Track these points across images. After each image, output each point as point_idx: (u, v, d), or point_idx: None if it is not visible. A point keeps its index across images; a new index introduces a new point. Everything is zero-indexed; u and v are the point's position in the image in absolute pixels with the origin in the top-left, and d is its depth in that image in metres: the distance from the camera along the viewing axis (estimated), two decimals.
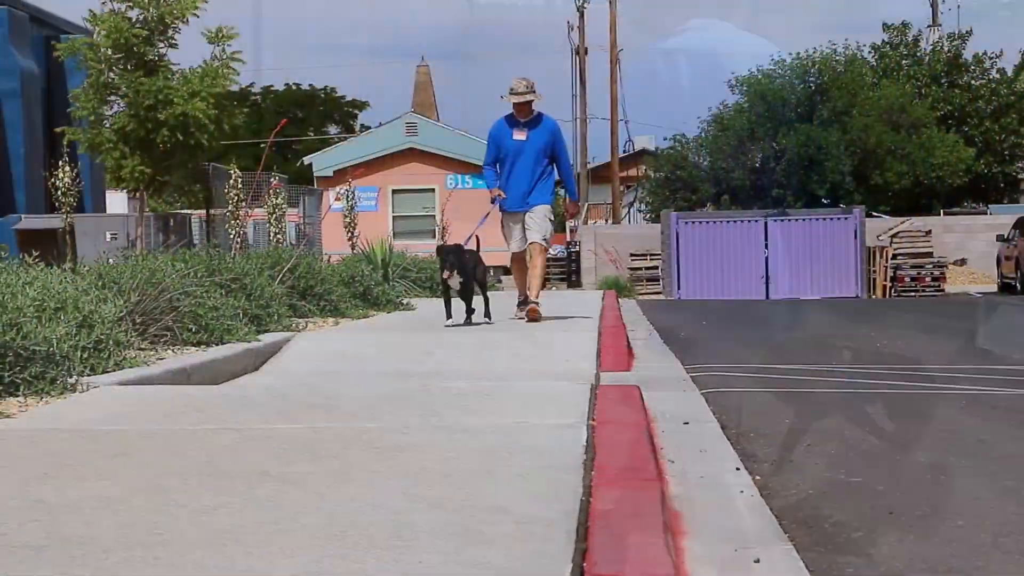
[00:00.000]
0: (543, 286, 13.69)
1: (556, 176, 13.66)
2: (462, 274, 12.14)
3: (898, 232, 36.61)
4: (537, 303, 13.13)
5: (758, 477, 5.35)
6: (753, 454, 6.01)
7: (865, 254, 36.17)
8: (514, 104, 13.39)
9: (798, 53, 48.85)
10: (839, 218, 36.80)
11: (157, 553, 3.60)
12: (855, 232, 36.34)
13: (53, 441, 5.64)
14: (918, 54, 52.67)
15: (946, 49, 52.19)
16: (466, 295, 12.43)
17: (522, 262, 13.51)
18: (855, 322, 17.76)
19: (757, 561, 3.79)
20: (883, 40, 53.40)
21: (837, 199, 44.78)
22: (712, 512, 4.49)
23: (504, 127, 13.49)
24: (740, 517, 4.43)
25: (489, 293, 13.18)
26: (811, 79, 47.96)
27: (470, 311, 12.41)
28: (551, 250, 45.69)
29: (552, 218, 13.52)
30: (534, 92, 13.35)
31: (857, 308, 23.73)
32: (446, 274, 12.06)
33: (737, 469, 5.36)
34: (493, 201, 13.39)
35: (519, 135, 13.36)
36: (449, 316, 12.23)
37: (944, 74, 51.21)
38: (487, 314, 12.80)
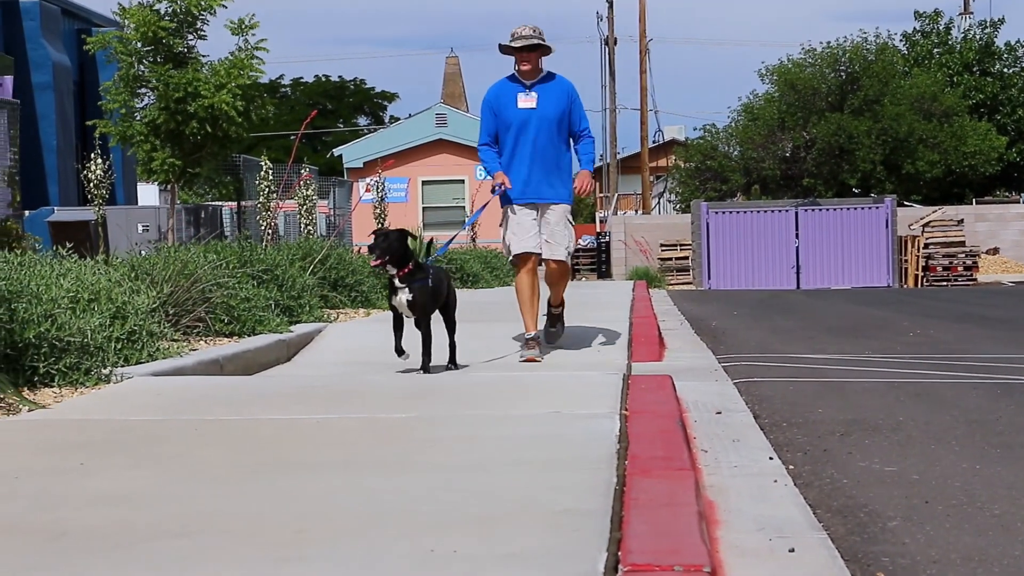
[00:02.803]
0: (562, 292, 10.32)
1: (568, 152, 10.18)
2: (415, 291, 8.54)
3: (930, 221, 36.41)
4: (560, 310, 10.38)
5: (791, 466, 5.34)
6: (786, 443, 6.00)
7: (896, 243, 36.01)
8: (517, 58, 9.83)
9: (829, 42, 48.67)
10: (870, 208, 36.63)
11: (189, 543, 3.61)
12: (886, 221, 36.18)
13: (89, 431, 5.67)
14: (950, 42, 52.41)
15: (978, 37, 51.91)
16: (422, 322, 8.61)
17: (531, 272, 9.80)
18: (887, 311, 17.69)
19: (792, 551, 3.78)
20: (914, 28, 53.20)
21: (868, 188, 44.61)
22: (746, 501, 4.48)
23: (505, 91, 9.95)
24: (774, 506, 4.42)
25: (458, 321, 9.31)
26: (842, 68, 47.73)
27: (427, 348, 8.54)
28: (581, 240, 45.21)
29: (572, 220, 10.06)
30: (543, 39, 9.84)
31: (889, 298, 23.64)
32: (375, 261, 8.50)
33: (770, 458, 5.35)
34: (495, 190, 9.81)
35: (526, 102, 9.89)
36: (400, 350, 8.54)
37: (976, 62, 50.94)
38: (452, 360, 8.94)
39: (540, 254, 9.89)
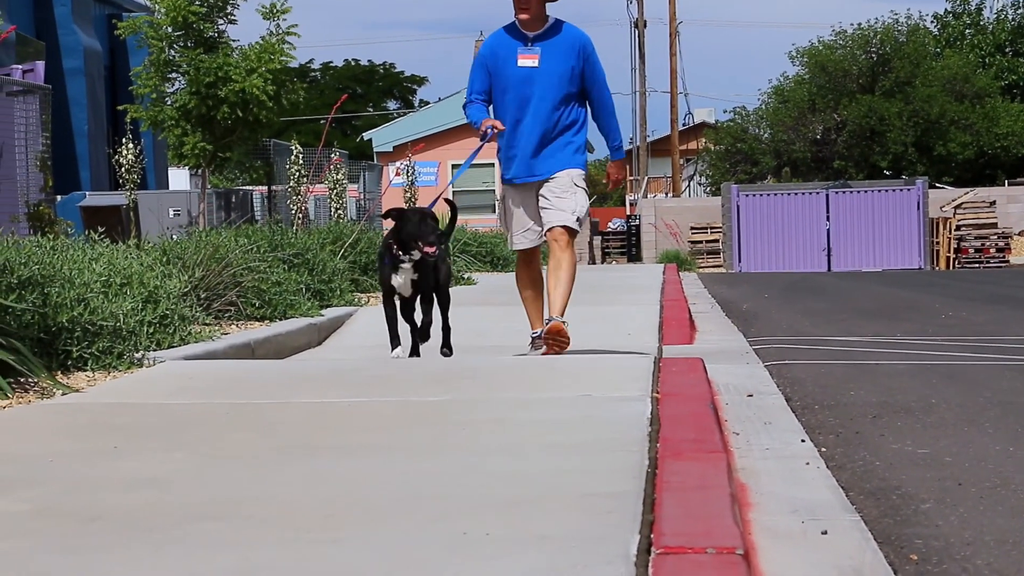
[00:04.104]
0: (567, 294, 8.35)
1: (583, 123, 8.55)
2: (423, 268, 7.86)
3: (962, 203, 36.22)
4: (563, 321, 8.19)
5: (824, 449, 5.33)
6: (818, 426, 5.98)
7: (928, 225, 35.86)
8: (514, 3, 8.33)
9: (859, 24, 48.43)
10: (902, 190, 36.48)
11: (222, 525, 3.63)
12: (918, 203, 36.02)
13: (122, 414, 5.70)
14: (981, 23, 52.06)
15: (1010, 18, 51.54)
16: (424, 305, 8.04)
17: (534, 266, 8.62)
18: (919, 293, 17.62)
19: (824, 533, 3.77)
20: (946, 9, 52.89)
21: (900, 170, 44.39)
22: (778, 484, 4.47)
23: (502, 45, 8.41)
24: (806, 489, 4.41)
25: (451, 306, 8.51)
26: (873, 49, 47.48)
27: (421, 333, 8.07)
28: (611, 223, 45.05)
29: (586, 187, 8.54)
30: None
31: (921, 280, 23.54)
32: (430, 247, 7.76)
33: (802, 441, 5.34)
34: (484, 136, 8.31)
35: (527, 58, 8.31)
36: (395, 341, 7.99)
37: (1008, 43, 50.59)
38: (446, 343, 8.21)
39: (538, 245, 8.66)
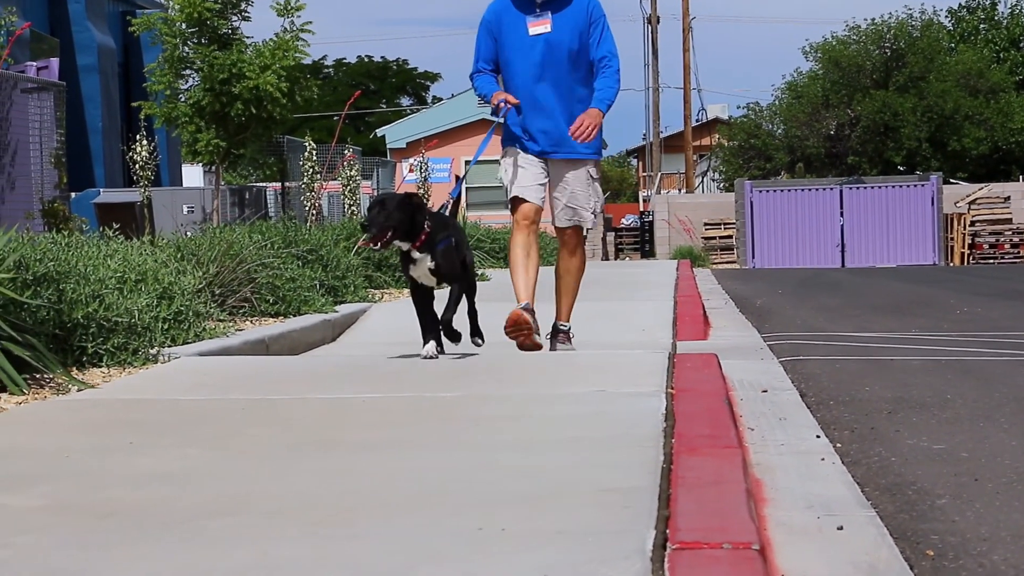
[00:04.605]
0: (572, 300, 8.20)
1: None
2: (439, 255, 7.16)
3: (976, 198, 36.15)
4: (568, 329, 8.10)
5: (839, 444, 5.32)
6: (833, 422, 5.97)
7: (942, 221, 35.78)
8: None
9: (873, 19, 48.37)
10: (916, 185, 36.41)
11: (238, 520, 3.63)
12: (932, 199, 35.95)
13: (137, 410, 5.71)
14: (996, 18, 51.93)
15: None
16: (457, 285, 7.36)
17: (527, 230, 7.97)
18: (933, 289, 17.58)
19: (840, 528, 3.77)
20: (960, 4, 52.78)
21: (913, 166, 44.33)
22: (793, 479, 4.47)
23: (508, 11, 7.95)
24: (822, 484, 4.40)
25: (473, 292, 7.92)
26: (887, 45, 47.39)
27: (447, 324, 7.27)
28: (624, 219, 45.02)
29: (598, 178, 8.12)
30: None
31: (935, 275, 23.49)
32: (365, 241, 7.37)
33: (817, 437, 5.33)
34: (496, 112, 7.89)
35: (538, 25, 7.84)
36: (430, 336, 7.27)
37: (1023, 38, 50.41)
38: (476, 332, 7.69)
39: (540, 207, 8.02)
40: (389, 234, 6.91)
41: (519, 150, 7.99)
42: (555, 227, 8.16)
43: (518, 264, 7.94)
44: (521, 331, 7.66)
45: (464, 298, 7.52)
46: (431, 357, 7.14)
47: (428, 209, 7.18)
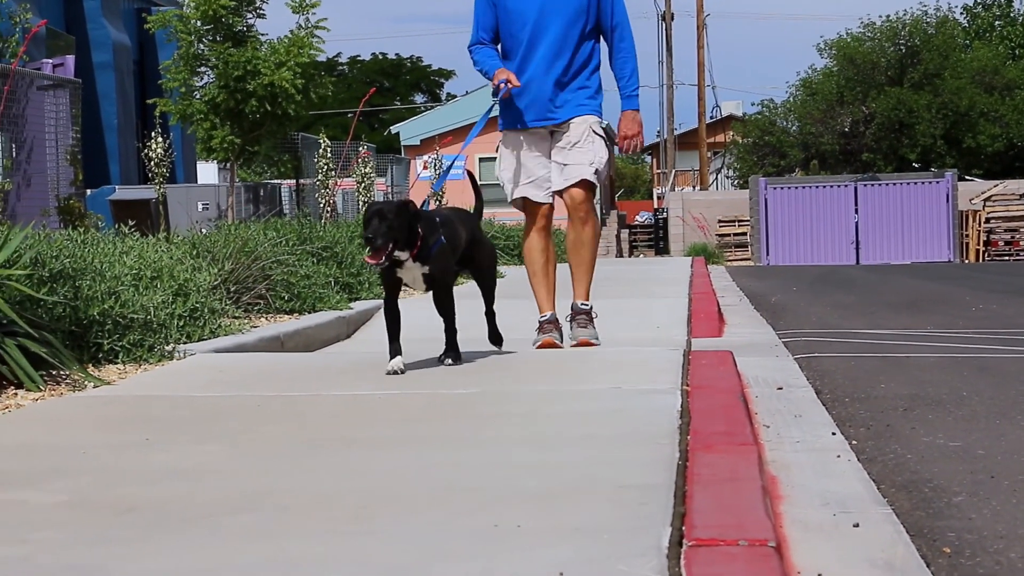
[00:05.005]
0: (590, 275, 7.83)
1: (599, 65, 7.76)
2: (432, 261, 6.51)
3: (991, 195, 36.06)
4: (589, 308, 7.80)
5: (854, 442, 5.31)
6: (849, 419, 5.96)
7: (957, 218, 35.72)
8: None
9: (888, 15, 48.30)
10: (930, 182, 36.36)
11: (254, 517, 3.64)
12: (947, 196, 35.90)
13: (153, 407, 5.73)
14: (1011, 14, 51.79)
15: None
16: (446, 303, 6.77)
17: (542, 232, 7.69)
18: (949, 286, 17.54)
19: (856, 525, 3.76)
20: (975, 1, 52.57)
21: (928, 163, 44.25)
22: (809, 477, 4.46)
23: None
24: (837, 481, 4.40)
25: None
26: (901, 42, 47.30)
27: (452, 331, 6.82)
28: (638, 216, 44.92)
29: (605, 136, 7.63)
30: None
31: (950, 272, 23.44)
32: (371, 256, 6.24)
33: (833, 434, 5.32)
34: (497, 92, 7.50)
35: None
36: (395, 350, 6.51)
37: None
38: (494, 335, 7.33)
39: (551, 204, 7.62)
40: (391, 246, 6.29)
41: (517, 131, 7.66)
42: (558, 194, 7.62)
43: (538, 271, 7.74)
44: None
45: (486, 305, 7.22)
46: (397, 372, 6.45)
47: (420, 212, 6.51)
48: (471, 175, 7.56)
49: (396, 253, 6.34)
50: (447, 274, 6.70)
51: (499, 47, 7.72)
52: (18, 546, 3.37)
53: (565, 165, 7.54)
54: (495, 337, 7.32)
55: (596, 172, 7.55)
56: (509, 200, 7.77)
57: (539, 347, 7.55)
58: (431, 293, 6.78)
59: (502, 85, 7.41)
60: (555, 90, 7.54)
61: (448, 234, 6.64)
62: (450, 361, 6.78)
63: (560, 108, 7.57)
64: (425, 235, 6.46)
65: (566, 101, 7.55)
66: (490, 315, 7.28)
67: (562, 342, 7.64)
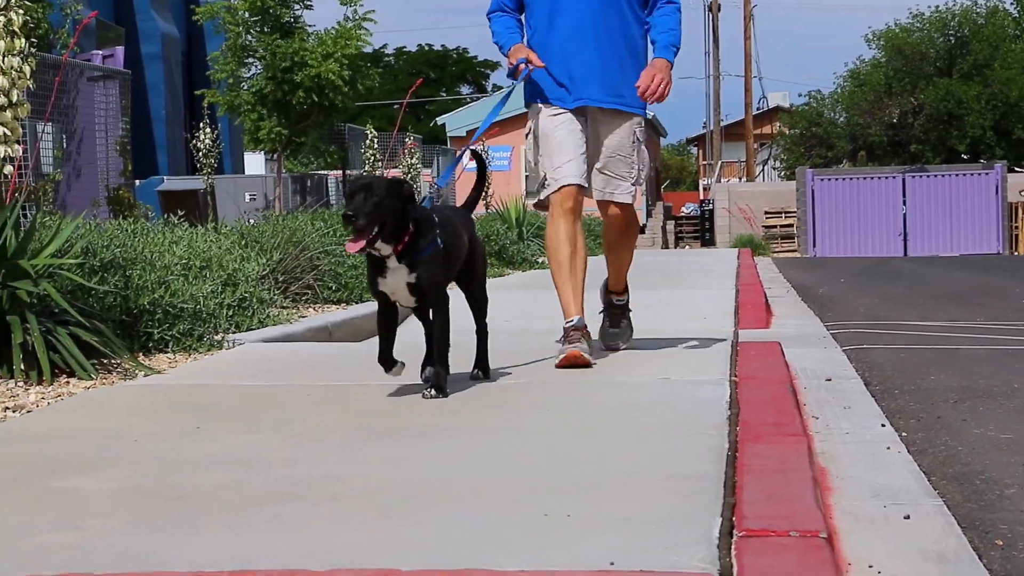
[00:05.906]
0: (625, 269, 6.95)
1: (645, 36, 6.55)
2: (421, 266, 5.31)
3: None
4: (624, 303, 6.99)
5: (904, 433, 5.28)
6: (898, 411, 5.93)
7: (1006, 210, 35.44)
8: None
9: (937, 6, 47.95)
10: (980, 174, 36.09)
11: (304, 505, 3.66)
12: (996, 188, 35.62)
13: (203, 396, 5.76)
14: None
15: None
16: (439, 313, 5.51)
17: (570, 216, 6.39)
18: (999, 278, 17.41)
19: (907, 517, 3.74)
20: None
21: (978, 154, 43.91)
22: (859, 468, 4.44)
23: None
24: (888, 473, 4.37)
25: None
26: (951, 32, 46.95)
27: (444, 345, 5.55)
28: (684, 208, 44.75)
29: (643, 139, 6.61)
30: None
31: (1000, 264, 23.27)
32: (352, 239, 5.13)
33: (882, 425, 5.29)
34: (512, 74, 6.45)
35: None
36: (388, 362, 5.51)
37: None
38: (482, 366, 5.98)
39: (584, 186, 6.43)
40: (375, 230, 5.12)
41: (546, 106, 6.51)
42: (596, 200, 6.62)
43: (563, 264, 6.38)
44: (576, 369, 6.17)
45: (473, 313, 5.97)
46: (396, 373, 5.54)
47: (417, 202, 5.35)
48: (476, 155, 6.39)
49: (377, 244, 5.19)
50: (439, 288, 5.44)
51: (522, 17, 6.64)
52: (72, 532, 3.40)
53: (605, 175, 6.51)
54: (483, 364, 5.98)
55: (633, 194, 6.57)
56: (540, 194, 6.56)
57: (561, 364, 6.16)
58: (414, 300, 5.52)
59: (522, 67, 6.36)
60: (595, 68, 6.40)
61: (447, 238, 5.46)
62: (434, 393, 5.40)
63: (600, 90, 6.43)
64: (418, 231, 5.31)
65: (611, 85, 6.42)
66: (482, 334, 5.99)
67: (591, 352, 6.32)
